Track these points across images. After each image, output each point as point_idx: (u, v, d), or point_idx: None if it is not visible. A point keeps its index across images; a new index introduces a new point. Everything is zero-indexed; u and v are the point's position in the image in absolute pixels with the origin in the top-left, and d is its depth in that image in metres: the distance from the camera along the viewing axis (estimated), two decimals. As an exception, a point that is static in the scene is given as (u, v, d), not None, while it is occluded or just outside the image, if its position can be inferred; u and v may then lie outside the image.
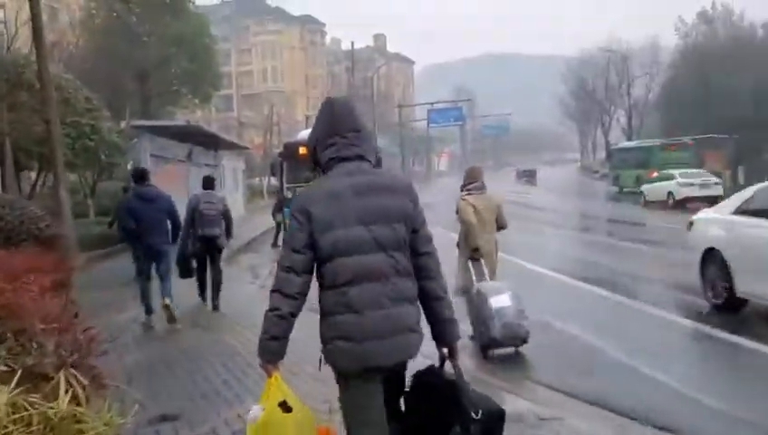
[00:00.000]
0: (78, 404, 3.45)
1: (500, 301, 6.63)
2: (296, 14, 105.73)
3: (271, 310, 2.81)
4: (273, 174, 20.52)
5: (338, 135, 2.90)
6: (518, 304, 6.69)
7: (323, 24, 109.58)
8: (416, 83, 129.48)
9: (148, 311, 8.71)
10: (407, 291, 2.85)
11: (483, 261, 7.29)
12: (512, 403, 5.05)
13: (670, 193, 27.54)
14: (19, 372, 3.42)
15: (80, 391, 3.60)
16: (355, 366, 2.80)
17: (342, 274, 2.78)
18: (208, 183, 9.83)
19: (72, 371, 3.66)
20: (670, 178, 28.17)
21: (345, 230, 2.78)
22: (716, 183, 27.33)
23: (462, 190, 7.60)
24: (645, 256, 14.52)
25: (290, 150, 19.26)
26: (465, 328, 8.03)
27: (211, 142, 25.05)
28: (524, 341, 6.66)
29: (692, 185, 27.17)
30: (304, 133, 22.33)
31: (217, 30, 45.38)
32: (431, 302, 2.94)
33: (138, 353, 7.45)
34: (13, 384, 3.25)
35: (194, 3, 34.53)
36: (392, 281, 2.80)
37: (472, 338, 7.10)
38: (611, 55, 61.09)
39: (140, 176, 8.91)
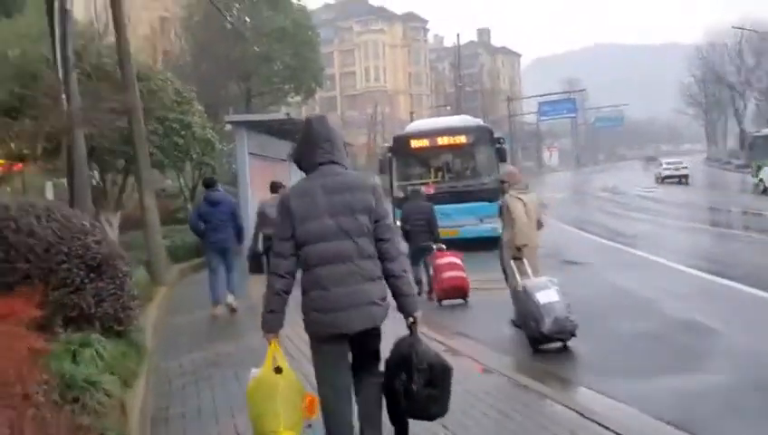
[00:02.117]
0: None
1: (548, 296, 6.69)
2: (398, 13, 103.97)
3: (268, 288, 3.51)
4: (382, 171, 18.25)
5: (316, 145, 3.56)
6: (565, 298, 6.74)
7: (426, 21, 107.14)
8: (523, 77, 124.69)
9: (215, 302, 9.64)
10: (369, 271, 3.45)
11: (525, 260, 7.38)
12: None
13: (659, 173, 44.69)
14: None
15: None
16: (324, 332, 3.44)
17: (315, 257, 3.41)
18: (274, 188, 10.83)
19: None
20: (660, 165, 46.53)
21: (316, 221, 3.42)
22: (684, 166, 43.55)
23: (505, 191, 7.84)
24: None
25: (400, 144, 16.99)
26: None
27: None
28: (572, 334, 6.65)
29: (669, 169, 43.93)
30: (416, 124, 19.91)
31: (321, 33, 43.93)
32: (391, 280, 3.52)
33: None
34: None
35: (297, -5, 32.81)
36: (356, 263, 3.41)
37: (516, 325, 7.40)
38: (746, 34, 55.03)
39: (209, 183, 9.94)
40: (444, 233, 14.27)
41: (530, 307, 6.72)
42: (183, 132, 14.26)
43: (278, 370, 3.45)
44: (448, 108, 64.63)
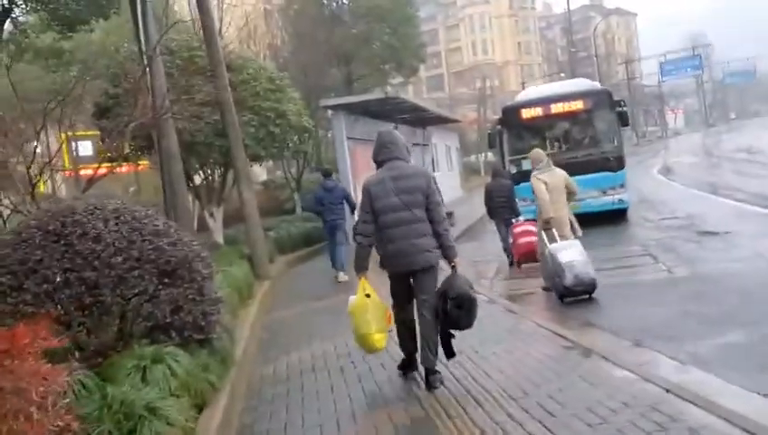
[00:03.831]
0: None
1: (569, 255, 7.71)
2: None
3: (357, 244, 5.40)
4: (491, 146, 17.03)
5: (384, 147, 5.40)
6: (586, 257, 7.80)
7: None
8: (640, 37, 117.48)
9: (335, 266, 11.71)
10: (423, 230, 5.16)
11: (554, 230, 8.46)
12: None
13: None
14: None
15: None
16: (393, 271, 5.33)
17: (386, 222, 5.17)
18: None
19: None
20: None
21: (386, 199, 5.16)
22: None
23: (532, 172, 9.00)
24: None
25: (510, 115, 15.67)
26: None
27: (418, 119, 22.32)
28: (594, 287, 7.71)
29: None
30: (527, 92, 18.47)
31: (424, 10, 42.75)
32: (437, 236, 5.20)
33: None
34: None
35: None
36: (414, 225, 5.14)
37: (544, 289, 8.56)
38: None
39: (325, 173, 12.10)
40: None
41: (554, 266, 7.85)
42: (278, 121, 13.75)
43: (367, 295, 5.18)
44: (562, 75, 61.66)
